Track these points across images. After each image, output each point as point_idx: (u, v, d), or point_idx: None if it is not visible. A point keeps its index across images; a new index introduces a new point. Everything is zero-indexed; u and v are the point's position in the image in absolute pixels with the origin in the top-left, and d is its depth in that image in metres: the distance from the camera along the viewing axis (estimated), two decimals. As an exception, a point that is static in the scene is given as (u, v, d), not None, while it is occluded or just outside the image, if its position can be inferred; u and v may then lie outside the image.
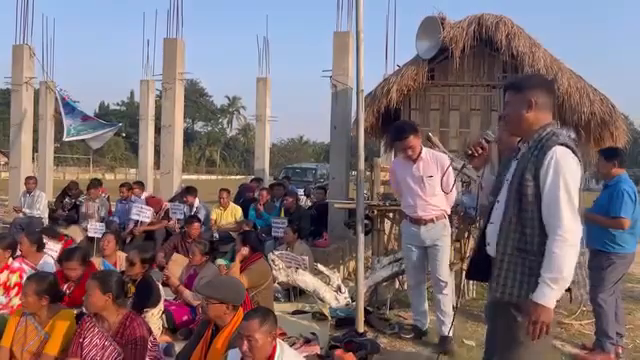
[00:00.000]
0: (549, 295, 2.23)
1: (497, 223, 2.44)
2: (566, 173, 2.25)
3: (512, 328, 2.38)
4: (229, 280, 3.59)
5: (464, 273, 3.07)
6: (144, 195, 8.68)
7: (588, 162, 6.92)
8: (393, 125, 4.70)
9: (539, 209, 2.30)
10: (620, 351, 4.48)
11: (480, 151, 2.65)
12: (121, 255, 5.33)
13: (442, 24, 7.37)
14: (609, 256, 4.28)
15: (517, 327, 2.35)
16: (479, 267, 2.58)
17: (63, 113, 10.95)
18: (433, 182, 4.35)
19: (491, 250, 2.49)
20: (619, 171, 4.40)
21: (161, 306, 4.41)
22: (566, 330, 5.09)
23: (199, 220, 6.88)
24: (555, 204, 2.24)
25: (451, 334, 4.42)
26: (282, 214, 7.80)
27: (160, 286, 4.53)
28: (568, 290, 2.33)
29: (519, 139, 2.54)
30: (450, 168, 3.96)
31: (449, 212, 4.60)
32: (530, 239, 2.32)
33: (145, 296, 4.18)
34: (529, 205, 2.31)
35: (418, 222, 4.44)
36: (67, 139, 11.43)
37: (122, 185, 8.60)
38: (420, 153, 4.39)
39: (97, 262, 4.97)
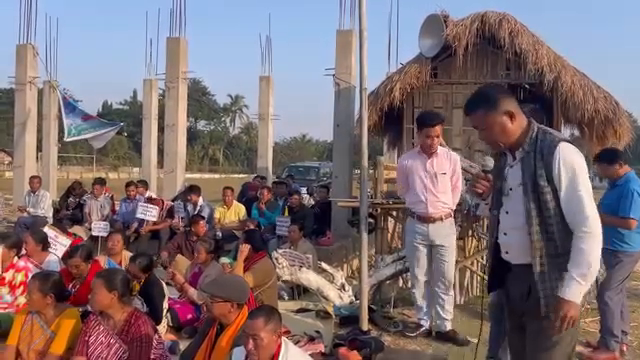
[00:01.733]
0: (578, 291, 2.25)
1: (512, 234, 2.43)
2: (578, 169, 2.27)
3: (546, 330, 2.36)
4: (233, 278, 3.60)
5: (485, 288, 3.02)
6: (147, 195, 8.69)
7: (591, 160, 6.89)
8: (421, 113, 4.68)
9: (560, 211, 2.30)
10: (624, 349, 4.47)
11: (486, 184, 2.61)
12: (126, 254, 5.35)
13: (445, 22, 7.36)
14: (617, 254, 4.28)
15: (551, 329, 2.33)
16: (499, 279, 2.58)
17: (64, 113, 10.96)
18: (445, 179, 4.37)
19: (510, 257, 2.47)
20: (626, 169, 4.37)
21: (165, 304, 4.43)
22: (570, 328, 5.08)
23: (204, 218, 6.90)
24: (577, 201, 2.26)
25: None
26: (286, 213, 7.82)
27: (164, 284, 4.55)
28: None
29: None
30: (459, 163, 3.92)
31: (453, 210, 4.60)
32: (560, 242, 2.32)
33: (154, 295, 4.22)
34: (551, 210, 2.31)
35: (426, 220, 4.43)
36: (68, 139, 11.43)
37: (129, 185, 8.57)
38: (437, 148, 4.40)
39: (102, 260, 4.99)
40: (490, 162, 2.72)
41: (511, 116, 2.38)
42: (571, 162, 2.27)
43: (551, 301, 2.31)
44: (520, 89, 7.68)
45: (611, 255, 4.28)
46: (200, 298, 4.66)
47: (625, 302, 4.58)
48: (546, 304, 2.33)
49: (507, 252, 2.50)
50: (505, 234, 2.49)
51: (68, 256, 4.50)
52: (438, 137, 4.33)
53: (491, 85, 2.72)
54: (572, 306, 2.24)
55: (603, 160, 4.47)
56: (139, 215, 7.64)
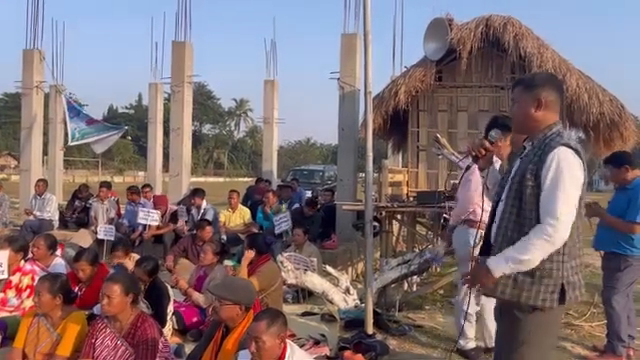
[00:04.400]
0: (499, 266, 2.28)
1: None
2: (566, 174, 2.24)
3: (516, 328, 2.37)
4: (242, 281, 3.60)
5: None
6: (151, 199, 8.69)
7: (598, 163, 6.87)
8: (500, 117, 4.36)
9: (537, 209, 2.29)
10: (632, 353, 4.44)
11: (484, 152, 2.63)
12: (134, 256, 5.36)
13: (450, 26, 7.35)
14: (627, 258, 4.26)
15: (521, 327, 2.35)
16: None
17: (68, 117, 11.00)
18: None
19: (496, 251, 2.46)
20: (637, 173, 4.33)
21: (171, 307, 4.44)
22: (576, 332, 5.06)
23: (210, 223, 6.90)
24: (550, 201, 2.24)
25: None
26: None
27: (169, 287, 4.56)
28: (562, 291, 2.29)
29: (525, 138, 2.54)
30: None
31: None
32: None
33: (158, 298, 4.22)
34: (528, 204, 2.31)
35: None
36: (72, 143, 11.48)
37: (131, 190, 8.54)
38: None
39: (107, 266, 5.01)
40: (497, 134, 2.72)
41: (538, 105, 2.40)
42: (563, 165, 2.25)
43: (498, 287, 2.34)
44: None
45: (620, 259, 4.26)
46: (205, 302, 4.66)
47: (632, 306, 4.56)
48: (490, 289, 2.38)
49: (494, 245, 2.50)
50: (495, 223, 2.50)
51: (74, 260, 4.51)
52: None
53: (554, 77, 2.73)
54: (486, 274, 2.30)
55: (610, 163, 4.46)
56: (141, 220, 7.65)
